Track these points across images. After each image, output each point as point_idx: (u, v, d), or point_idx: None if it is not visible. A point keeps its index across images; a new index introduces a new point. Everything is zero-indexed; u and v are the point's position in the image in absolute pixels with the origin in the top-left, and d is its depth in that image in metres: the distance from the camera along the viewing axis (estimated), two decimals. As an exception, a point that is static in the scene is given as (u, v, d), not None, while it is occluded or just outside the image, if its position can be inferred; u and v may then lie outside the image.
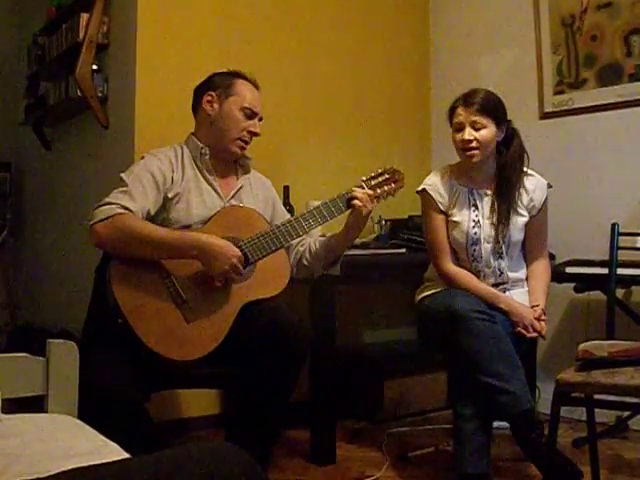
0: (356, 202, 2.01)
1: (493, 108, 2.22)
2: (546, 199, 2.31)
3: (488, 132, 2.20)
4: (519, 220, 2.27)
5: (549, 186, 2.33)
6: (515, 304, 2.22)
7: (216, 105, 2.06)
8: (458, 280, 2.25)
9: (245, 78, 2.12)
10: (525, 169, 2.30)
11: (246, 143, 2.09)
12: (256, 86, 2.13)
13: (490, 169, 2.30)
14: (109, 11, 2.97)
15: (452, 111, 2.28)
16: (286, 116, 3.10)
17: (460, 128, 2.23)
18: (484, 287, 2.24)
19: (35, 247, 3.93)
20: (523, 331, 2.18)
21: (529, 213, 2.29)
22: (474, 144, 2.20)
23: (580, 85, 3.10)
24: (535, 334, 2.19)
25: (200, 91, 2.11)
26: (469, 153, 2.22)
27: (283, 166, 3.05)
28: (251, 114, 2.07)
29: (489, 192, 2.30)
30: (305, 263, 2.13)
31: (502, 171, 2.27)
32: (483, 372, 2.00)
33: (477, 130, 2.20)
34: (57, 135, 3.64)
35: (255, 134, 2.09)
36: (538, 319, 2.20)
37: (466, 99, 2.23)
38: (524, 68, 3.28)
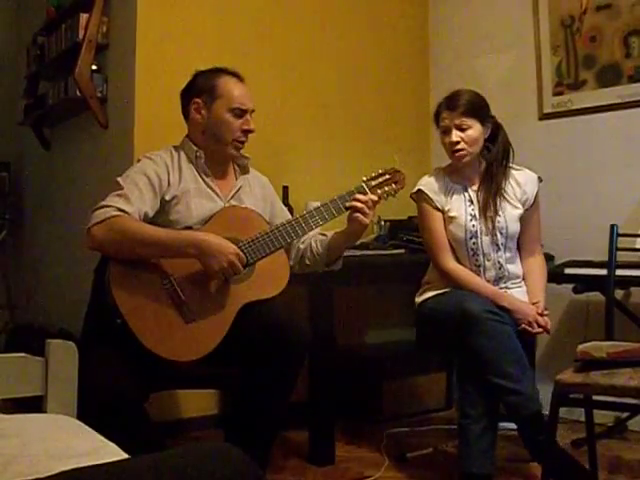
0: (357, 215, 1.98)
1: (476, 108, 2.26)
2: (538, 193, 2.35)
3: (474, 132, 2.25)
4: (514, 212, 2.31)
5: (539, 180, 2.37)
6: (517, 302, 2.23)
7: (204, 112, 2.03)
8: (460, 277, 2.27)
9: (228, 73, 2.06)
10: (512, 165, 2.34)
11: (242, 143, 2.06)
12: (240, 79, 2.07)
13: (480, 165, 2.35)
14: (109, 11, 2.96)
15: (437, 115, 2.33)
16: (285, 116, 3.10)
17: (446, 131, 2.28)
18: (487, 285, 2.26)
19: (34, 247, 3.93)
20: (528, 328, 2.18)
21: (523, 206, 2.33)
22: (461, 145, 2.25)
23: (579, 86, 3.10)
24: (540, 330, 2.20)
25: (186, 97, 2.08)
26: (458, 155, 2.27)
27: (282, 166, 3.05)
28: (241, 113, 2.03)
29: (481, 186, 2.34)
30: (307, 262, 2.14)
31: (490, 166, 2.32)
32: (494, 373, 2.02)
33: (463, 131, 2.25)
34: (56, 135, 3.64)
35: (249, 131, 2.05)
36: (541, 314, 2.21)
37: (449, 103, 2.28)
38: (523, 69, 3.28)
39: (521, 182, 2.33)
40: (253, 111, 2.07)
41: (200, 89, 2.05)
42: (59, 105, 3.25)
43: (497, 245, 2.29)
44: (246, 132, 2.05)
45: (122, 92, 2.85)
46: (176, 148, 2.09)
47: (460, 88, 2.32)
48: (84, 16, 2.92)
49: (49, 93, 3.33)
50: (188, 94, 2.08)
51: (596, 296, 2.62)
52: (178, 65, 2.80)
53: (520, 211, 2.32)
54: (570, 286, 2.71)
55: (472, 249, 2.30)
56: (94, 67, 2.93)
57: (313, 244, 2.13)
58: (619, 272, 2.30)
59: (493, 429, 2.06)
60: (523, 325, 2.19)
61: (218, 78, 2.04)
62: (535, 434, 1.99)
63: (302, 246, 2.14)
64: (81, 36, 2.92)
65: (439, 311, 2.22)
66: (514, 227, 2.31)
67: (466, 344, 2.06)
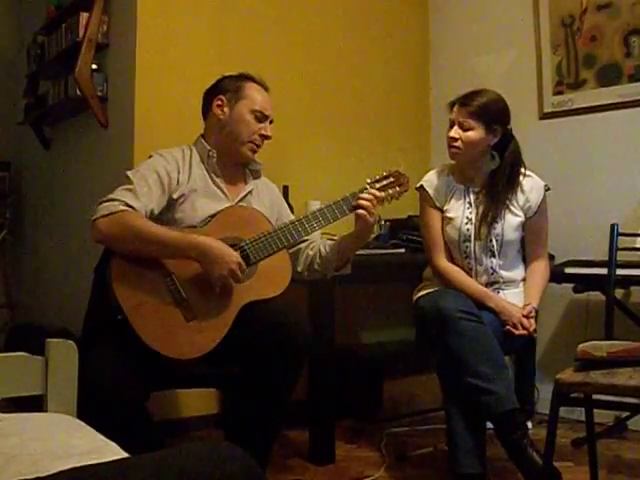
0: (362, 212, 1.98)
1: (486, 114, 2.23)
2: (543, 201, 2.32)
3: (474, 134, 2.23)
4: (513, 220, 2.29)
5: (547, 188, 2.34)
6: (504, 303, 2.23)
7: (227, 109, 2.05)
8: (450, 276, 2.27)
9: (255, 80, 2.11)
10: (523, 171, 2.31)
11: (257, 146, 2.08)
12: (265, 88, 2.12)
13: (485, 169, 2.33)
14: (109, 10, 2.96)
15: (452, 106, 2.31)
16: (286, 116, 3.09)
17: (451, 125, 2.28)
18: (475, 285, 2.26)
19: (34, 246, 3.93)
20: (512, 329, 2.19)
21: (525, 214, 2.30)
22: (457, 143, 2.24)
23: (579, 85, 3.10)
24: (524, 332, 2.19)
25: (210, 95, 2.10)
26: (451, 151, 2.27)
27: (283, 166, 3.05)
28: (262, 117, 2.07)
29: (483, 191, 2.32)
30: (316, 267, 2.12)
31: (493, 174, 2.31)
32: (467, 372, 2.01)
33: (465, 130, 2.23)
34: (56, 134, 3.64)
35: (266, 137, 2.09)
36: (527, 317, 2.20)
37: (464, 98, 2.27)
38: (524, 68, 3.28)
39: (526, 189, 2.30)
40: (272, 121, 2.11)
41: (225, 89, 2.08)
42: (59, 104, 3.25)
43: (491, 251, 2.28)
44: (263, 137, 2.08)
45: (122, 91, 2.85)
46: (189, 147, 2.09)
47: (485, 89, 2.29)
48: (84, 15, 2.92)
49: (49, 92, 3.33)
50: (212, 92, 2.10)
51: (596, 295, 2.62)
52: (178, 65, 2.81)
53: (521, 219, 2.30)
54: (570, 285, 2.71)
55: (465, 252, 2.30)
56: (94, 66, 2.92)
57: (322, 249, 2.11)
58: (619, 271, 2.30)
59: (478, 428, 2.05)
60: (508, 326, 2.19)
61: (245, 82, 2.09)
62: (509, 434, 1.98)
63: (311, 252, 2.12)
64: (81, 35, 2.92)
65: (425, 309, 2.22)
66: (511, 235, 2.29)
67: (442, 343, 2.07)
